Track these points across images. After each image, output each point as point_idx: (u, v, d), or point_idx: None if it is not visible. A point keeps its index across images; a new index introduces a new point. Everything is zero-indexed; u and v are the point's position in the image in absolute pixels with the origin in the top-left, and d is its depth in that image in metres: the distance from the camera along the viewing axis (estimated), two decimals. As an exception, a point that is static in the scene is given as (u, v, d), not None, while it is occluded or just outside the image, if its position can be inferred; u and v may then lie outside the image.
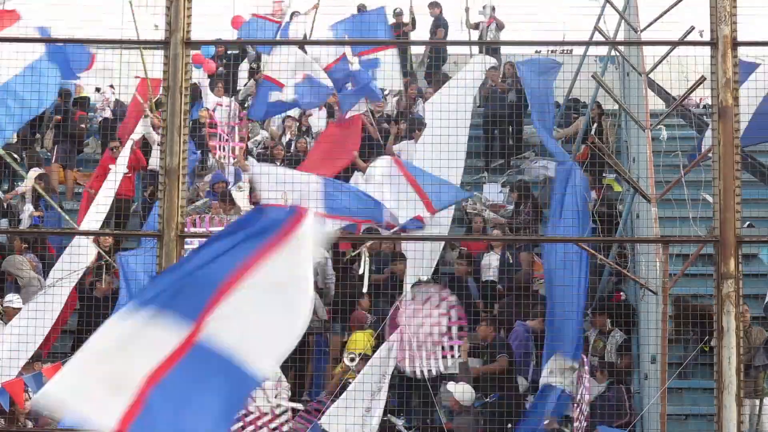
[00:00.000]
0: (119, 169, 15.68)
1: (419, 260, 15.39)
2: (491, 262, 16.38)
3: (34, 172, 18.45)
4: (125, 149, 16.15)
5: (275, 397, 14.50)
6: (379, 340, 14.27)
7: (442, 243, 15.99)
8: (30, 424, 13.75)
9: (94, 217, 14.89)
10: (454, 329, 13.50)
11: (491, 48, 21.29)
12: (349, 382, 13.88)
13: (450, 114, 15.35)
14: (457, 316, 13.53)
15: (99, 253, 15.38)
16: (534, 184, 18.97)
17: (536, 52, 22.01)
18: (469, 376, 14.43)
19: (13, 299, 15.31)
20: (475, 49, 20.97)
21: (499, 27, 21.69)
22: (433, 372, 13.67)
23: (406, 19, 22.72)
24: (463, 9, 22.47)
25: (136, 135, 17.76)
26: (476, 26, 22.36)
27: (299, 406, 13.77)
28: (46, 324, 13.91)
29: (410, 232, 14.89)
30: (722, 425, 9.77)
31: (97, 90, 21.38)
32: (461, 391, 13.97)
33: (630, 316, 15.27)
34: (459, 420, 14.03)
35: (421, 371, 13.82)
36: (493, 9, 21.88)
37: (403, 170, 14.99)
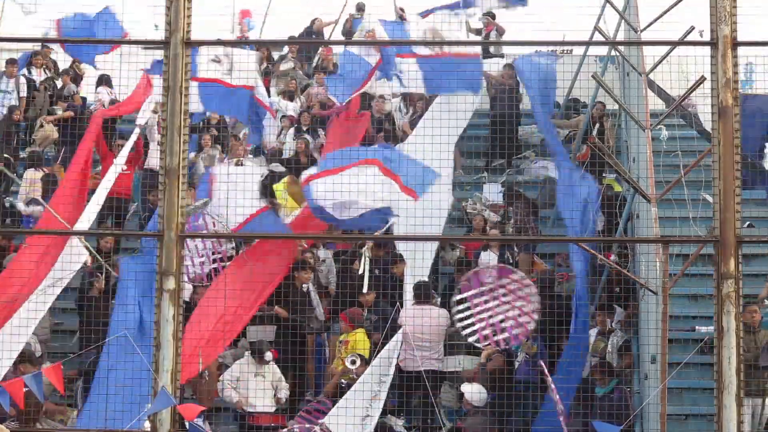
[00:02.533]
0: (119, 161, 15.46)
1: (419, 260, 15.41)
2: (491, 260, 16.37)
3: (31, 172, 18.39)
4: (129, 141, 15.92)
5: (274, 396, 14.54)
6: (384, 340, 14.28)
7: (436, 243, 15.97)
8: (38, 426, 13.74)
9: (87, 216, 14.77)
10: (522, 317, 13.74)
11: (494, 53, 21.33)
12: (343, 383, 13.94)
13: (449, 114, 15.39)
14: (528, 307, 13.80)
15: (95, 253, 15.33)
16: (534, 184, 19.01)
17: (536, 52, 21.99)
18: (481, 376, 14.46)
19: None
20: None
21: (500, 33, 21.65)
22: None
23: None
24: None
25: (141, 120, 17.52)
26: (477, 32, 22.33)
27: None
28: (44, 324, 13.87)
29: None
30: (722, 425, 9.77)
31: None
32: (470, 392, 13.97)
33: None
34: (471, 421, 14.02)
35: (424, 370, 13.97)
36: (494, 16, 21.86)
37: (382, 168, 14.68)
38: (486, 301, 13.88)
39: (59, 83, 21.06)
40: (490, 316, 13.88)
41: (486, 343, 13.96)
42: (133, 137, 15.93)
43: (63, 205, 14.57)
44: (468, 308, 13.93)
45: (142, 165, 18.51)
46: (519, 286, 13.87)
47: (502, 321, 13.83)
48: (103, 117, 17.05)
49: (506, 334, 13.83)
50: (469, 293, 13.91)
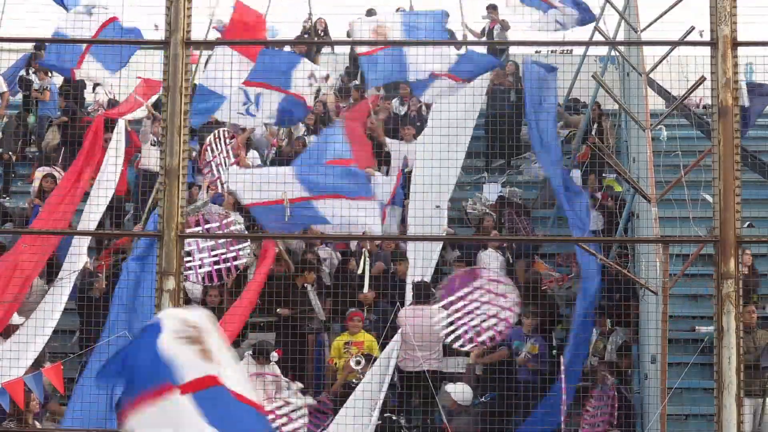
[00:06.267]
0: (111, 159, 15.29)
1: (419, 260, 15.40)
2: (491, 260, 16.31)
3: (41, 171, 18.38)
4: (118, 129, 15.70)
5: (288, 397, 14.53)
6: (384, 340, 14.27)
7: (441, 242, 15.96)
8: (37, 425, 13.74)
9: (89, 217, 14.73)
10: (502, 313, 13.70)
11: (497, 49, 21.27)
12: (353, 382, 13.92)
13: (455, 115, 15.39)
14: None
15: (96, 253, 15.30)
16: (534, 184, 19.01)
17: (536, 52, 21.99)
18: (471, 376, 14.45)
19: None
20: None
21: (504, 28, 21.58)
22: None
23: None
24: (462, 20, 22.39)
25: (130, 116, 17.34)
26: (482, 32, 22.23)
27: (310, 400, 13.86)
28: (47, 325, 13.86)
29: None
30: (722, 425, 9.77)
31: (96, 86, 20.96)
32: (461, 392, 13.98)
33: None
34: (458, 420, 14.04)
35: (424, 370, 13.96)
36: (495, 7, 21.80)
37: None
38: (464, 305, 13.81)
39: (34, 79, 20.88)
40: (471, 319, 13.83)
41: (472, 345, 13.89)
42: (116, 134, 15.66)
43: (62, 205, 14.53)
44: (448, 315, 13.86)
45: (137, 163, 18.42)
46: (495, 284, 13.82)
47: (483, 321, 13.78)
48: (104, 118, 16.98)
49: (491, 333, 13.79)
50: (447, 301, 13.85)
